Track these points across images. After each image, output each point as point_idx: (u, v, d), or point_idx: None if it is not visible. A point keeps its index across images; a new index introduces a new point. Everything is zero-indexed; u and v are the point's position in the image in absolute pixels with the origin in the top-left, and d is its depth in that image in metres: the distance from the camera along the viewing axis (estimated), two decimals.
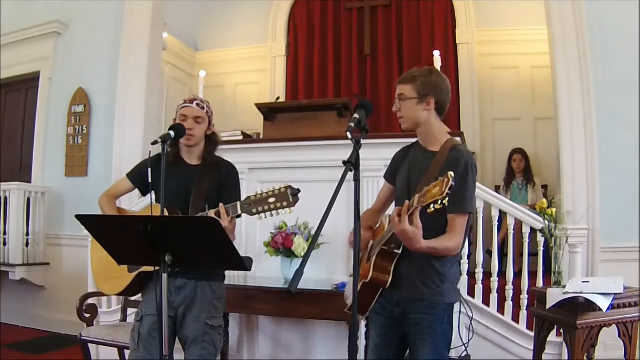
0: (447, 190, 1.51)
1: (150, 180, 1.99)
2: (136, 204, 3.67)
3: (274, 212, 1.92)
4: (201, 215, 2.05)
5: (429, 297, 1.86)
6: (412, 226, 1.65)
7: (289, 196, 1.88)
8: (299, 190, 1.90)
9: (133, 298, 3.33)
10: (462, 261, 3.34)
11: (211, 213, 2.01)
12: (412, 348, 1.90)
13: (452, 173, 1.53)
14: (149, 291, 2.16)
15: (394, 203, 2.07)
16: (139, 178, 2.29)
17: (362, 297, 1.89)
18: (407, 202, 1.69)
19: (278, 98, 4.97)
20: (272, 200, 1.90)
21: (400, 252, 1.85)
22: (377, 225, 2.08)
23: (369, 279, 1.85)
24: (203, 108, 2.23)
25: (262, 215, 1.94)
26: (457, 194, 1.73)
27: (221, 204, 2.01)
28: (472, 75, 5.64)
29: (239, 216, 2.05)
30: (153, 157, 2.02)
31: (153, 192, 2.11)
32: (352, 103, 3.83)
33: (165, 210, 2.08)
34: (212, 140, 2.29)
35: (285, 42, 6.36)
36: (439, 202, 1.53)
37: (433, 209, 1.56)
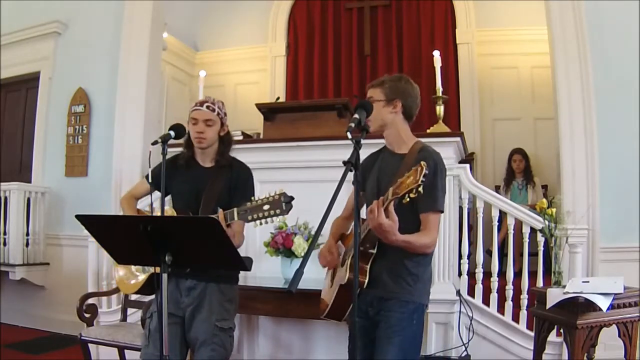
0: (421, 178, 1.54)
1: (150, 181, 2.02)
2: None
3: (268, 220, 1.93)
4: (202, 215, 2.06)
5: (399, 295, 1.88)
6: (388, 219, 1.67)
7: (282, 204, 1.88)
8: (292, 198, 1.90)
9: (134, 298, 3.34)
10: (462, 261, 3.35)
11: None
12: (378, 347, 1.90)
13: (424, 162, 1.57)
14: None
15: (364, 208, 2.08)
16: (155, 179, 2.30)
17: (340, 300, 1.90)
18: (381, 197, 1.71)
19: (278, 98, 4.98)
20: (266, 207, 1.91)
21: (375, 251, 1.87)
22: (348, 232, 2.09)
23: (345, 281, 1.85)
24: (213, 110, 2.22)
25: (257, 222, 1.94)
26: (429, 192, 1.78)
27: (220, 210, 2.02)
28: (472, 75, 5.63)
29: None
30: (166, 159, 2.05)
31: (157, 193, 2.14)
32: (352, 103, 3.84)
33: (175, 211, 2.10)
34: (225, 141, 2.29)
35: (285, 42, 6.36)
36: (414, 190, 1.56)
37: (408, 199, 1.59)
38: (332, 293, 1.97)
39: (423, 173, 1.54)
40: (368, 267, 1.88)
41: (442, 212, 1.91)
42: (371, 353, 1.95)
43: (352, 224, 2.07)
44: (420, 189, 1.55)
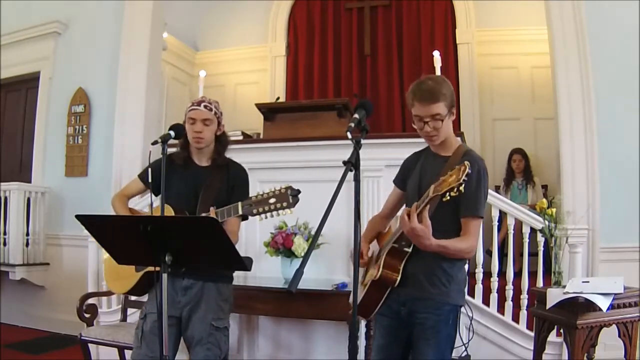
0: (463, 177, 1.54)
1: (150, 180, 2.02)
2: (136, 203, 3.66)
3: (274, 213, 1.93)
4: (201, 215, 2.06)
5: (435, 297, 1.87)
6: (420, 224, 1.67)
7: (288, 197, 1.89)
8: (298, 191, 1.90)
9: (134, 298, 3.34)
10: None
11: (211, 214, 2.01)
12: (416, 348, 1.90)
13: (468, 162, 1.57)
14: (154, 290, 2.16)
15: (403, 207, 2.06)
16: (153, 178, 2.30)
17: (370, 296, 1.89)
18: (415, 203, 1.70)
19: (278, 98, 4.98)
20: (272, 200, 1.91)
21: (410, 250, 1.85)
22: (386, 230, 2.08)
23: (377, 277, 1.84)
24: (211, 110, 2.22)
25: (263, 215, 1.94)
26: (472, 197, 1.78)
27: (212, 208, 2.02)
28: (472, 75, 5.63)
29: (246, 218, 2.05)
30: (161, 159, 2.03)
31: (155, 193, 2.13)
32: (352, 103, 3.84)
33: (172, 211, 2.10)
34: (221, 141, 2.29)
35: (285, 42, 6.36)
36: (455, 189, 1.56)
37: (449, 197, 1.59)
38: (362, 290, 1.96)
39: (466, 172, 1.54)
40: (402, 265, 1.86)
41: (483, 218, 1.89)
42: (394, 353, 1.95)
43: (390, 223, 2.08)
44: (462, 187, 1.55)
